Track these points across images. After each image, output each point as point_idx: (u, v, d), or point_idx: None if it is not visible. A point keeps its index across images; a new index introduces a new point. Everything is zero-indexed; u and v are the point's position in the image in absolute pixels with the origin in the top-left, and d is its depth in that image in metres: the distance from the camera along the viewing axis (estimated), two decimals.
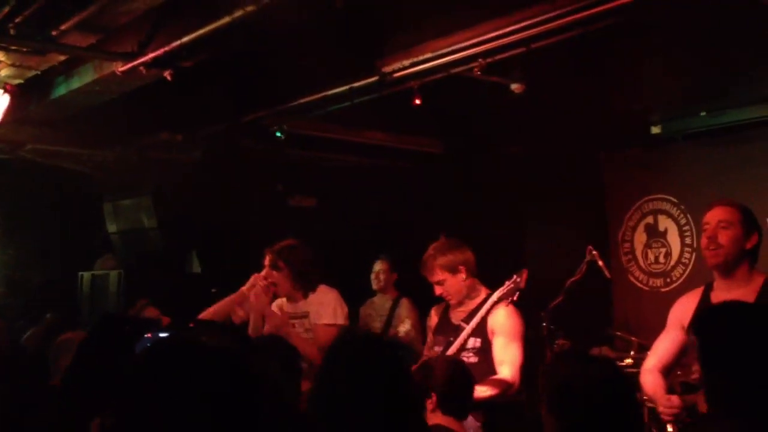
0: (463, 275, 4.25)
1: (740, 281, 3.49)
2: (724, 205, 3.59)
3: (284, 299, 4.85)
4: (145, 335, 2.12)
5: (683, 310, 3.72)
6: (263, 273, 4.74)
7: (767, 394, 2.04)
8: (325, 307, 4.70)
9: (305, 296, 4.76)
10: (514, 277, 4.05)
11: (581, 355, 2.48)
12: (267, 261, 4.76)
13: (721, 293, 3.53)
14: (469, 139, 7.23)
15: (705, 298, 3.63)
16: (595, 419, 2.12)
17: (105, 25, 4.77)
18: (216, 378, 1.49)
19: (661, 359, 3.73)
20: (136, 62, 4.82)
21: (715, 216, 3.57)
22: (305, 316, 4.74)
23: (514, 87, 5.42)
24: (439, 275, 4.26)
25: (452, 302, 4.31)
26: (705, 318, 2.24)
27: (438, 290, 4.31)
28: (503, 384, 3.99)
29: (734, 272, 3.52)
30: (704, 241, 3.58)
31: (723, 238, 3.50)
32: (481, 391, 3.82)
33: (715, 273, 3.64)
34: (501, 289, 4.08)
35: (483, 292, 4.26)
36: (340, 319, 4.69)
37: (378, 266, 6.63)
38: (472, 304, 4.24)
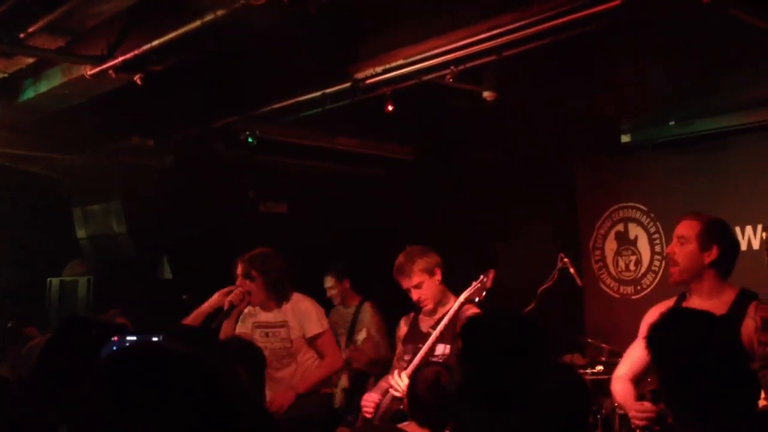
0: (438, 277, 4.28)
1: (711, 293, 3.50)
2: (687, 219, 3.60)
3: (257, 308, 4.81)
4: (112, 339, 2.09)
5: (655, 319, 3.74)
6: (237, 283, 4.69)
7: (722, 400, 2.06)
8: (307, 318, 4.70)
9: (279, 305, 4.74)
10: (481, 276, 4.06)
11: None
12: (239, 270, 4.71)
13: (693, 304, 3.54)
14: (441, 146, 7.24)
15: (678, 306, 3.65)
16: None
17: (74, 27, 4.70)
18: (181, 383, 1.47)
19: (632, 367, 3.74)
20: (105, 66, 4.77)
21: (677, 231, 3.59)
22: (283, 325, 4.71)
23: (486, 95, 5.45)
24: (417, 278, 4.24)
25: (428, 307, 4.29)
26: (655, 329, 2.25)
27: (415, 295, 4.28)
28: None
29: (700, 285, 3.52)
30: (666, 252, 3.62)
31: (679, 255, 3.52)
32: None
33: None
34: (468, 289, 4.08)
35: (452, 300, 4.25)
36: (325, 323, 4.74)
37: (326, 284, 6.59)
38: (442, 311, 4.23)
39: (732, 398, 2.09)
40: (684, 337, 2.17)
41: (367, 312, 6.41)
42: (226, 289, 4.67)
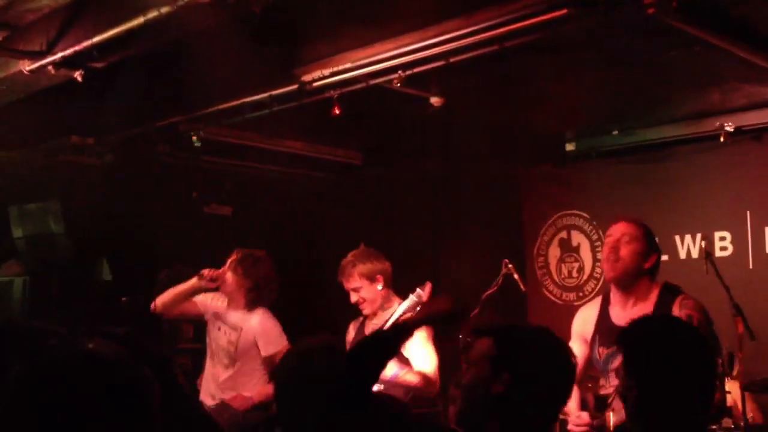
0: (379, 284, 4.29)
1: (639, 295, 3.55)
2: (628, 221, 3.65)
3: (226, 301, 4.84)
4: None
5: (584, 323, 3.79)
6: (222, 268, 4.77)
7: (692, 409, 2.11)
8: (267, 336, 4.71)
9: (248, 310, 4.74)
10: (417, 290, 4.04)
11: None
12: (230, 260, 4.77)
13: (619, 306, 3.59)
14: (388, 150, 7.24)
15: (604, 311, 3.70)
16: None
17: (12, 21, 4.59)
18: (95, 388, 1.43)
19: None
20: (44, 61, 4.65)
21: (618, 229, 3.62)
22: (236, 330, 4.73)
23: (434, 100, 5.47)
24: (356, 282, 4.27)
25: (366, 311, 4.31)
26: (631, 332, 2.27)
27: (353, 297, 4.32)
28: (427, 378, 4.00)
29: (633, 287, 3.57)
30: (605, 251, 3.62)
31: (624, 251, 3.55)
32: (405, 374, 3.83)
33: (612, 286, 3.69)
34: (405, 303, 4.06)
35: (396, 304, 4.25)
36: (284, 341, 4.72)
37: None
38: (386, 316, 4.22)
39: (698, 405, 2.13)
40: (660, 344, 2.20)
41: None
42: (207, 271, 4.74)
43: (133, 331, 2.13)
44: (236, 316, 4.77)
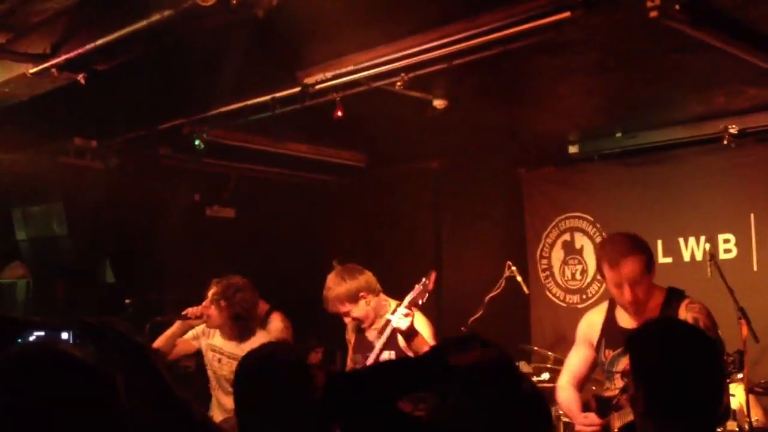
0: (365, 301, 4.23)
1: (645, 300, 3.54)
2: (628, 256, 3.47)
3: (215, 331, 4.79)
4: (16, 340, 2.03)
5: (590, 327, 3.77)
6: (204, 303, 4.68)
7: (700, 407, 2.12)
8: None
9: (241, 339, 4.69)
10: (423, 279, 4.02)
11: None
12: (210, 292, 4.68)
13: (626, 310, 3.58)
14: (392, 153, 7.24)
15: (610, 315, 3.68)
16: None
17: (15, 24, 4.56)
18: (71, 391, 1.43)
19: (574, 375, 3.78)
20: (47, 64, 4.64)
21: (626, 274, 3.43)
22: (236, 359, 4.64)
23: (437, 103, 5.46)
24: (341, 308, 4.22)
25: (365, 325, 4.28)
26: (638, 336, 2.26)
27: (347, 320, 4.30)
28: None
29: None
30: (626, 298, 3.46)
31: (640, 292, 3.46)
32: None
33: None
34: (411, 293, 4.05)
35: (393, 304, 4.24)
36: None
37: None
38: (385, 319, 4.20)
39: (708, 412, 2.13)
40: (669, 348, 2.18)
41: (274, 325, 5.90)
42: (190, 310, 4.70)
43: (111, 320, 2.12)
44: (232, 346, 4.73)
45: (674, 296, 3.50)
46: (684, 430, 2.07)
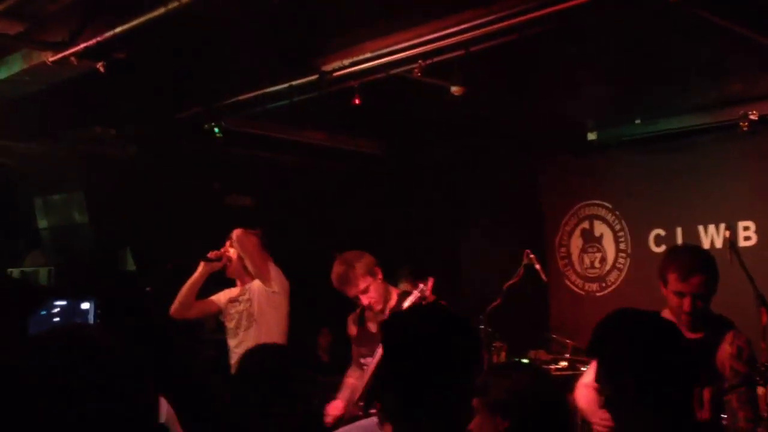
0: (380, 276, 4.21)
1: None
2: (699, 275, 3.44)
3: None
4: (39, 309, 2.04)
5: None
6: (225, 246, 4.96)
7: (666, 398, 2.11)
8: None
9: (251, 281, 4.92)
10: (420, 285, 3.98)
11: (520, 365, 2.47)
12: (230, 238, 4.93)
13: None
14: (409, 141, 7.23)
15: None
16: (543, 420, 2.17)
17: (35, 13, 4.61)
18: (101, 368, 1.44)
19: None
20: (67, 52, 4.67)
21: (694, 286, 3.33)
22: (247, 297, 4.92)
23: (454, 90, 5.42)
24: (362, 283, 4.15)
25: (378, 308, 4.21)
26: (600, 332, 2.27)
27: (365, 300, 4.19)
28: None
29: None
30: (685, 308, 3.43)
31: (699, 305, 3.42)
32: None
33: None
34: (410, 297, 4.02)
35: (394, 295, 4.23)
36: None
37: None
38: (387, 310, 4.16)
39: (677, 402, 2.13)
40: (631, 338, 2.18)
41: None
42: (211, 253, 4.93)
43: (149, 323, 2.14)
44: (244, 289, 4.95)
45: (723, 322, 3.46)
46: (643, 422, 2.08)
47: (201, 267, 4.92)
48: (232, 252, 4.90)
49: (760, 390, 4.15)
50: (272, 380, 2.48)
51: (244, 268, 4.90)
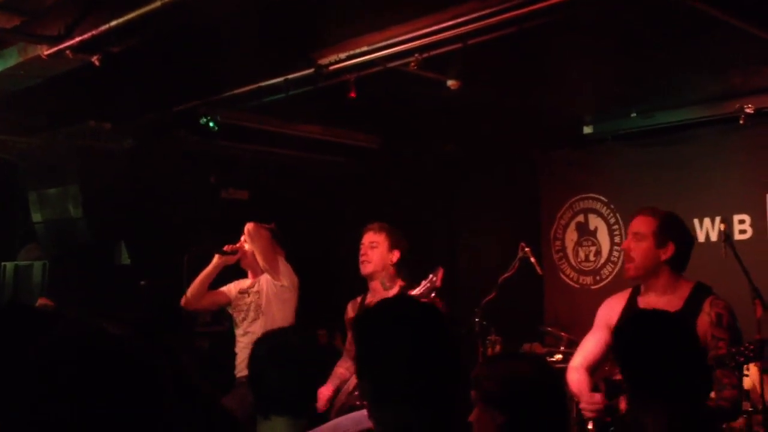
0: (395, 256, 4.34)
1: (666, 289, 3.52)
2: (643, 215, 3.59)
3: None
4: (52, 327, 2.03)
5: (610, 311, 3.77)
6: (240, 240, 5.04)
7: (681, 391, 2.19)
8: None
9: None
10: (430, 276, 4.02)
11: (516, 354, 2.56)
12: (248, 229, 5.02)
13: (648, 298, 3.57)
14: (405, 135, 7.22)
15: (632, 301, 3.67)
16: (539, 411, 2.21)
17: (30, 6, 4.58)
18: (119, 369, 1.43)
19: (587, 358, 3.78)
20: (62, 46, 4.64)
21: (632, 227, 3.61)
22: (257, 289, 5.02)
23: (451, 83, 5.44)
24: (378, 238, 4.36)
25: (366, 270, 4.33)
26: (625, 327, 2.39)
27: (362, 250, 4.39)
28: None
29: (655, 281, 3.54)
30: (622, 245, 3.65)
31: (635, 251, 3.52)
32: None
33: None
34: (418, 288, 4.05)
35: (397, 286, 4.25)
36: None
37: None
38: (385, 295, 4.19)
39: (690, 389, 2.19)
40: (648, 338, 2.31)
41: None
42: (227, 247, 5.03)
43: (145, 317, 2.15)
44: (255, 281, 5.05)
45: (701, 291, 3.49)
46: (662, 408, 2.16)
47: (215, 260, 5.01)
48: (248, 246, 4.99)
49: (753, 370, 4.20)
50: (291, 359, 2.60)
51: (257, 261, 4.98)
